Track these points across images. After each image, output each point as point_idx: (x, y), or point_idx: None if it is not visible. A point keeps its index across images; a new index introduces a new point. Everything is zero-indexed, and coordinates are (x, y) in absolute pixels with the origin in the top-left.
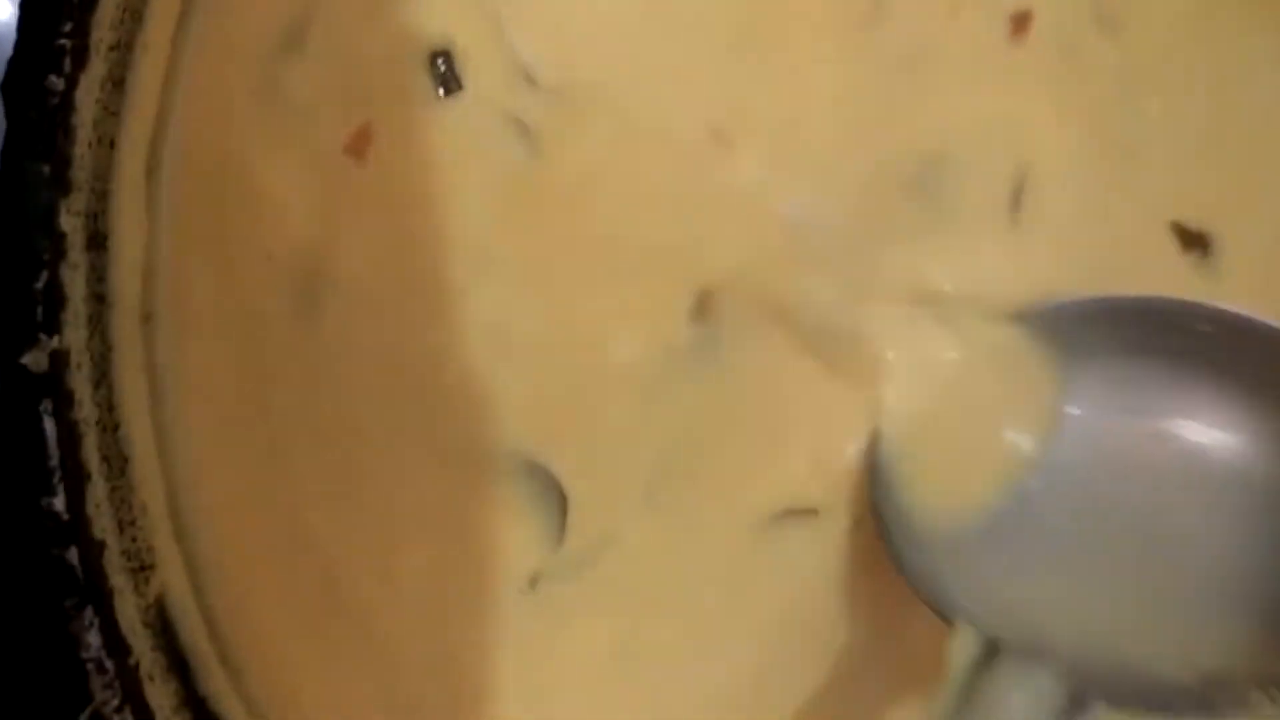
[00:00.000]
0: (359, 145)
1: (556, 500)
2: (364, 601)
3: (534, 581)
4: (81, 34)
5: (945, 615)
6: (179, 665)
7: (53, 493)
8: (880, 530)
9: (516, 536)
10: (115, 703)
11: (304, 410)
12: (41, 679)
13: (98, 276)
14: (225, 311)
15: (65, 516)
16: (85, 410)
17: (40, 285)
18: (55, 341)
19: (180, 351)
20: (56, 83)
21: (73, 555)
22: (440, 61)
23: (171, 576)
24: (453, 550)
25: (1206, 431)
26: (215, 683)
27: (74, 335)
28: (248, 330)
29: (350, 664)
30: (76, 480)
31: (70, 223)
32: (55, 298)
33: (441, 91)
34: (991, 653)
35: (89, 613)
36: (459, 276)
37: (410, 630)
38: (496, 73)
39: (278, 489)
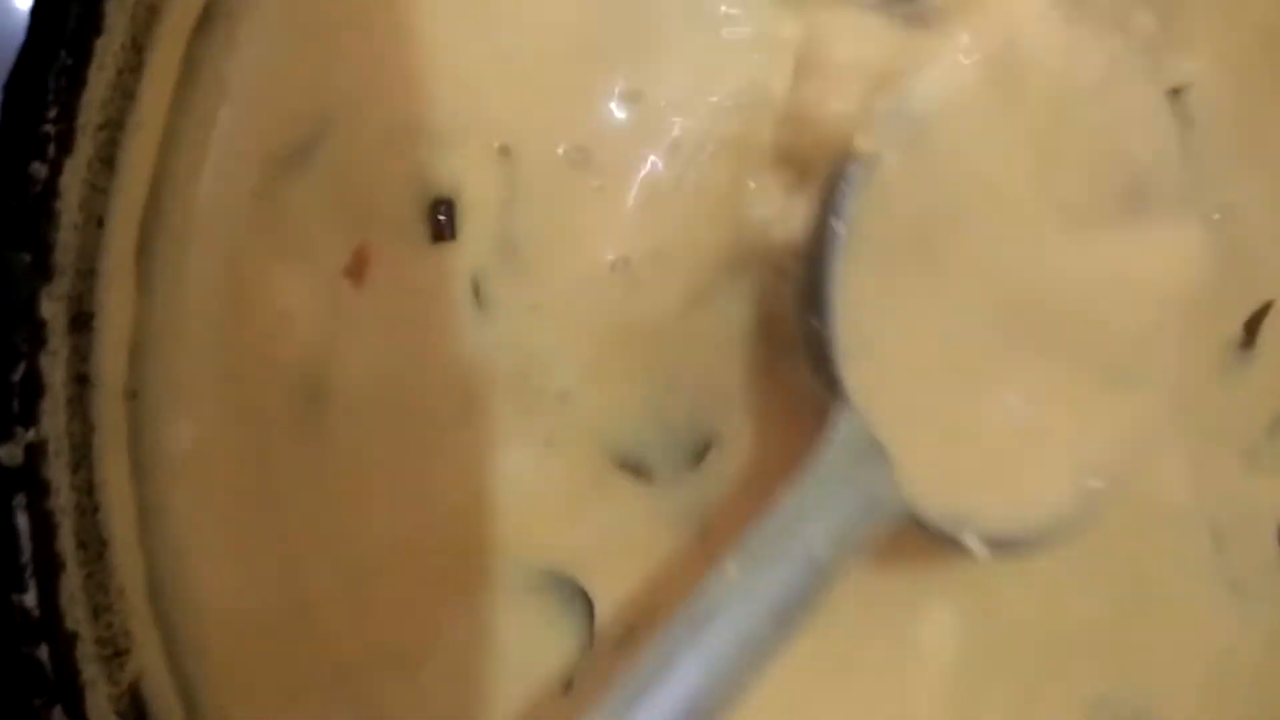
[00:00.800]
0: (357, 268)
1: (583, 606)
2: (380, 696)
3: (568, 685)
4: (68, 118)
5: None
6: None
7: (24, 588)
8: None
9: (544, 644)
10: None
11: (312, 512)
12: None
13: (80, 357)
14: (225, 401)
15: (36, 613)
16: (62, 497)
17: (17, 378)
18: (31, 434)
19: (168, 429)
20: (40, 169)
21: (43, 652)
22: (441, 210)
23: (148, 660)
24: (477, 659)
25: None
26: None
27: (52, 423)
28: (250, 424)
29: None
30: (50, 572)
31: (51, 309)
32: (33, 388)
33: (433, 238)
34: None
35: (58, 712)
36: (456, 408)
37: None
38: (490, 236)
39: (285, 579)
